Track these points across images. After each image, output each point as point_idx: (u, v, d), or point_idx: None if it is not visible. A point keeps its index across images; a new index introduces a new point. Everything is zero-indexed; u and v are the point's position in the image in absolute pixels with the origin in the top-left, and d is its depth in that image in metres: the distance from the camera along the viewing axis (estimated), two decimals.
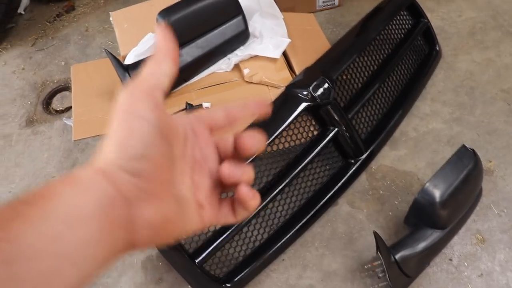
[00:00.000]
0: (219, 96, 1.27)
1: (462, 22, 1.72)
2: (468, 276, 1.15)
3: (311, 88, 1.20)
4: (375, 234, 1.08)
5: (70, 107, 1.63)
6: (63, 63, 1.87)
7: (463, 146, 1.14)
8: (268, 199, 1.16)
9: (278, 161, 1.22)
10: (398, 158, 1.39)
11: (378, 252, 1.10)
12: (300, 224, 1.22)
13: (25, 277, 0.25)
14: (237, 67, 1.33)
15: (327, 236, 1.26)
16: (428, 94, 1.53)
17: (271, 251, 1.19)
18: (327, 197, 1.26)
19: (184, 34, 1.31)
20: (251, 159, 1.12)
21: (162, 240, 0.33)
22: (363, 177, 1.35)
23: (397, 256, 1.08)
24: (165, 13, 1.31)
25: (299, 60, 1.35)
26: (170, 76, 0.33)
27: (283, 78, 1.29)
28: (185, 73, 1.34)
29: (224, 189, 0.38)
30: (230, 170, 0.36)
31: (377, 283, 1.15)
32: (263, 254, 1.18)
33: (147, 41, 1.43)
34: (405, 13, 1.51)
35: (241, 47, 1.36)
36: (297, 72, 1.32)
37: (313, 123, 1.24)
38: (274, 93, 1.25)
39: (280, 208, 1.23)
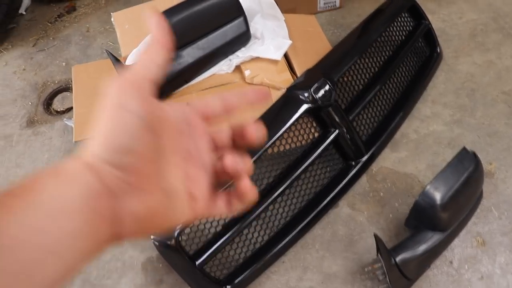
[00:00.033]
0: None
1: (463, 24, 1.72)
2: (469, 279, 1.14)
3: (312, 90, 1.20)
4: (376, 236, 1.08)
5: (71, 108, 1.63)
6: (64, 63, 1.87)
7: (464, 149, 1.14)
8: (269, 201, 1.16)
9: (278, 163, 1.22)
10: (398, 160, 1.39)
11: (379, 255, 1.10)
12: (300, 226, 1.22)
13: (8, 269, 0.25)
14: (238, 68, 1.33)
15: (327, 238, 1.26)
16: (429, 96, 1.53)
17: (271, 253, 1.19)
18: (328, 199, 1.26)
19: (185, 35, 1.31)
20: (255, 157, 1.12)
21: (149, 231, 0.33)
22: (363, 179, 1.35)
23: (398, 259, 1.08)
24: (167, 14, 1.31)
25: (300, 62, 1.35)
26: (163, 66, 0.33)
27: (284, 80, 1.29)
28: (186, 74, 1.34)
29: (219, 180, 0.37)
30: (233, 162, 0.36)
31: (377, 286, 1.14)
32: (263, 256, 1.18)
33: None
34: (406, 15, 1.51)
35: (242, 49, 1.36)
36: (298, 74, 1.32)
37: (314, 125, 1.24)
38: (275, 95, 1.25)
39: (280, 210, 1.23)
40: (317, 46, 1.45)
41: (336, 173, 1.30)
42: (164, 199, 0.32)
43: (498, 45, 1.64)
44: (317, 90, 1.20)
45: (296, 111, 1.18)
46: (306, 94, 1.19)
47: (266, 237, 1.21)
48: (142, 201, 0.31)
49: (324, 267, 1.22)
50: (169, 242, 1.09)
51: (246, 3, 1.38)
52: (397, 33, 1.47)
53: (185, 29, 1.30)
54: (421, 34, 1.51)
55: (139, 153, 0.30)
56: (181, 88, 1.33)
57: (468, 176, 1.11)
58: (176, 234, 1.08)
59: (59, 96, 1.76)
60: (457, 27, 1.71)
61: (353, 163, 1.30)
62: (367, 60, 1.37)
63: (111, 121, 0.30)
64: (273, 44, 1.34)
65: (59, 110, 1.71)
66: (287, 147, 1.21)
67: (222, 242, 1.13)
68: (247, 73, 1.30)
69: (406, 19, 1.51)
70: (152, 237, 1.12)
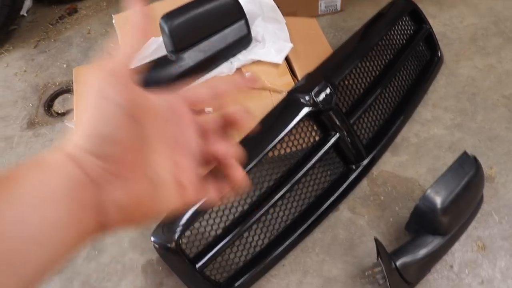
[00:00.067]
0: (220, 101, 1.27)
1: (463, 28, 1.72)
2: (469, 283, 1.14)
3: (313, 93, 1.20)
4: (376, 240, 1.08)
5: (72, 110, 1.63)
6: (65, 65, 1.87)
7: (465, 153, 1.14)
8: (269, 204, 1.16)
9: (279, 166, 1.22)
10: (399, 164, 1.39)
11: (379, 258, 1.10)
12: (301, 230, 1.22)
13: None
14: (239, 71, 1.33)
15: (327, 242, 1.26)
16: (429, 100, 1.53)
17: (271, 257, 1.19)
18: (328, 202, 1.26)
19: (186, 38, 1.31)
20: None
21: (135, 220, 0.33)
22: (364, 182, 1.35)
23: (398, 263, 1.08)
24: (168, 16, 1.31)
25: (301, 65, 1.35)
26: (137, 52, 0.33)
27: (285, 83, 1.29)
28: (187, 77, 1.34)
29: (207, 167, 0.38)
30: (223, 148, 0.36)
31: None
32: (263, 260, 1.18)
33: (150, 44, 1.43)
34: (407, 18, 1.51)
35: (243, 52, 1.36)
36: (299, 77, 1.32)
37: (315, 128, 1.25)
38: (276, 98, 1.25)
39: (281, 214, 1.23)
40: (318, 50, 1.45)
41: (337, 177, 1.30)
42: (150, 188, 0.32)
43: (499, 49, 1.64)
44: (318, 94, 1.20)
45: (296, 115, 1.18)
46: (307, 98, 1.19)
47: (266, 241, 1.21)
48: (126, 190, 0.31)
49: (324, 270, 1.22)
50: (169, 245, 1.09)
51: (247, 6, 1.38)
52: (398, 37, 1.47)
53: (186, 31, 1.30)
54: (422, 38, 1.51)
55: (121, 142, 0.30)
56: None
57: (468, 180, 1.11)
58: (176, 237, 1.08)
59: (60, 98, 1.76)
60: (458, 31, 1.72)
61: (354, 166, 1.30)
62: (368, 63, 1.37)
63: (92, 111, 0.30)
64: (274, 47, 1.34)
65: (59, 112, 1.71)
66: (288, 150, 1.21)
67: (223, 245, 1.13)
68: (248, 76, 1.30)
69: (407, 23, 1.51)
70: (152, 239, 1.12)
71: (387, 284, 1.07)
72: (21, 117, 1.71)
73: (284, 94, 1.25)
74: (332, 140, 1.23)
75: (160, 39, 1.39)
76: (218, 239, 1.14)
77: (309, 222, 1.23)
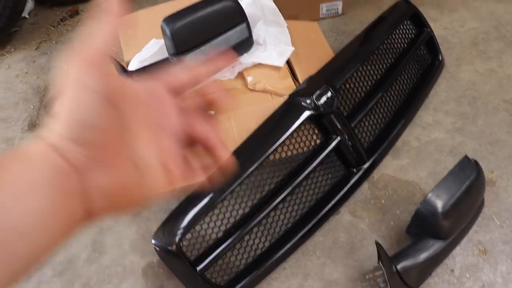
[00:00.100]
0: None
1: (464, 32, 1.73)
2: (470, 287, 1.14)
3: (314, 96, 1.20)
4: (377, 243, 1.08)
5: None
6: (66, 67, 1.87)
7: (466, 157, 1.14)
8: (270, 207, 1.16)
9: (280, 170, 1.23)
10: (400, 167, 1.39)
11: (380, 262, 1.10)
12: (301, 233, 1.22)
13: None
14: (240, 74, 1.33)
15: (328, 245, 1.26)
16: (430, 104, 1.53)
17: (272, 260, 1.19)
18: (329, 206, 1.26)
19: (188, 41, 1.31)
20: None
21: (123, 206, 0.33)
22: (365, 186, 1.35)
23: (399, 266, 1.08)
24: (170, 19, 1.31)
25: (302, 69, 1.36)
26: (113, 37, 0.33)
27: (287, 87, 1.29)
28: None
29: (192, 149, 0.38)
30: (206, 129, 0.36)
31: None
32: (264, 263, 1.18)
33: (151, 47, 1.43)
34: (409, 22, 1.52)
35: (245, 55, 1.36)
36: (301, 81, 1.32)
37: (316, 131, 1.25)
38: (278, 101, 1.25)
39: (282, 217, 1.23)
40: (319, 53, 1.45)
41: (338, 180, 1.30)
42: (135, 173, 0.33)
43: (500, 53, 1.64)
44: (319, 97, 1.20)
45: (298, 118, 1.19)
46: (308, 101, 1.19)
47: (267, 244, 1.21)
48: (110, 176, 0.31)
49: (325, 274, 1.22)
50: (170, 248, 1.09)
51: (249, 9, 1.39)
52: (399, 40, 1.47)
53: (188, 34, 1.30)
54: (423, 41, 1.52)
55: (101, 128, 0.30)
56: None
57: (469, 184, 1.11)
58: (177, 239, 1.08)
59: None
60: (459, 35, 1.72)
61: (355, 170, 1.30)
62: (369, 67, 1.37)
63: (70, 99, 0.30)
64: (275, 50, 1.35)
65: None
66: (289, 153, 1.21)
67: (223, 248, 1.13)
68: (249, 79, 1.30)
69: (408, 27, 1.51)
70: (153, 242, 1.12)
71: None
72: (22, 118, 1.71)
73: (285, 98, 1.25)
74: (333, 144, 1.23)
75: (162, 41, 1.39)
76: (219, 242, 1.14)
77: (310, 225, 1.23)
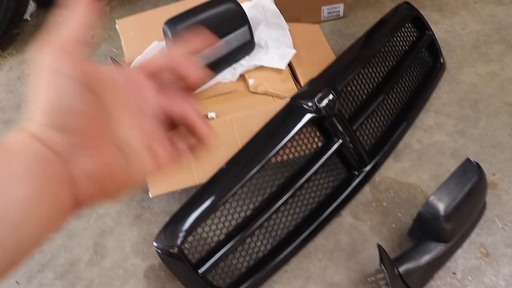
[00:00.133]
0: (224, 106, 1.28)
1: (466, 35, 1.73)
2: None
3: (316, 99, 1.20)
4: (379, 246, 1.08)
5: None
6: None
7: (468, 160, 1.15)
8: (272, 210, 1.16)
9: (282, 172, 1.23)
10: (402, 170, 1.39)
11: (382, 265, 1.10)
12: (303, 236, 1.22)
13: None
14: (242, 77, 1.34)
15: (330, 248, 1.26)
16: (432, 107, 1.53)
17: (274, 262, 1.19)
18: (331, 208, 1.25)
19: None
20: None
21: (111, 192, 0.33)
22: (366, 189, 1.35)
23: (401, 269, 1.08)
24: (172, 22, 1.31)
25: (304, 71, 1.36)
26: (89, 25, 0.33)
27: (288, 89, 1.29)
28: None
29: (175, 130, 0.38)
30: (184, 107, 0.37)
31: None
32: (266, 265, 1.18)
33: (153, 49, 1.43)
34: (410, 25, 1.52)
35: (247, 57, 1.36)
36: (302, 83, 1.32)
37: (318, 134, 1.25)
38: (279, 104, 1.25)
39: (283, 219, 1.23)
40: (321, 56, 1.45)
41: (339, 183, 1.30)
42: (120, 157, 0.33)
43: (501, 56, 1.64)
44: (321, 100, 1.20)
45: (299, 121, 1.19)
46: (310, 104, 1.19)
47: (269, 246, 1.21)
48: (94, 160, 0.31)
49: (326, 276, 1.22)
50: (172, 250, 1.09)
51: (250, 12, 1.39)
52: (401, 43, 1.47)
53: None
54: (424, 44, 1.52)
55: (80, 113, 0.30)
56: None
57: (471, 187, 1.11)
58: (179, 242, 1.08)
59: None
60: (460, 37, 1.72)
61: (356, 172, 1.30)
62: (370, 70, 1.37)
63: (47, 87, 0.30)
64: (277, 53, 1.35)
65: None
66: (291, 156, 1.21)
67: (225, 251, 1.13)
68: (251, 82, 1.31)
69: (409, 30, 1.51)
70: (155, 244, 1.12)
71: None
72: (24, 121, 1.71)
73: (287, 100, 1.25)
74: (335, 146, 1.23)
75: (163, 44, 1.39)
76: (220, 244, 1.14)
77: (311, 228, 1.23)
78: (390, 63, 1.43)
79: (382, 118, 1.39)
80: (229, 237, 1.15)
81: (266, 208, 1.17)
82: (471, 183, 1.12)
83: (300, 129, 1.18)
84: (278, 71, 1.33)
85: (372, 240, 1.26)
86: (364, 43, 1.39)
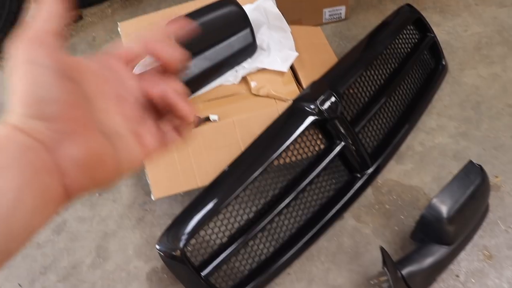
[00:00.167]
0: (226, 109, 1.28)
1: (468, 36, 1.73)
2: None
3: (318, 102, 1.20)
4: (382, 249, 1.08)
5: None
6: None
7: (470, 162, 1.14)
8: (274, 212, 1.16)
9: (284, 175, 1.22)
10: (404, 172, 1.39)
11: (384, 267, 1.09)
12: (306, 238, 1.22)
13: None
14: (244, 79, 1.34)
15: (333, 250, 1.26)
16: (434, 109, 1.53)
17: (276, 265, 1.19)
18: (333, 211, 1.25)
19: (192, 46, 1.31)
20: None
21: (101, 179, 0.33)
22: (369, 191, 1.35)
23: (404, 272, 1.08)
24: None
25: (306, 74, 1.36)
26: (61, 16, 0.32)
27: (290, 92, 1.30)
28: (193, 85, 1.34)
29: (161, 112, 0.38)
30: (157, 87, 0.36)
31: None
32: (268, 268, 1.18)
33: None
34: (412, 27, 1.52)
35: (249, 60, 1.36)
36: (304, 86, 1.32)
37: (320, 137, 1.25)
38: (281, 107, 1.26)
39: (286, 222, 1.23)
40: (323, 58, 1.46)
41: (342, 185, 1.30)
42: (106, 143, 0.33)
43: (503, 58, 1.64)
44: (323, 102, 1.20)
45: (302, 123, 1.19)
46: (312, 106, 1.19)
47: (271, 249, 1.21)
48: (80, 146, 0.31)
49: (329, 279, 1.21)
50: (174, 253, 1.09)
51: (252, 15, 1.39)
52: (403, 45, 1.47)
53: (191, 40, 1.30)
54: (426, 46, 1.52)
55: (60, 101, 0.30)
56: (188, 99, 1.34)
57: (474, 189, 1.11)
58: (182, 245, 1.08)
59: None
60: (462, 39, 1.72)
61: (359, 175, 1.30)
62: (373, 72, 1.37)
63: (24, 79, 0.30)
64: (279, 55, 1.35)
65: None
66: (293, 159, 1.21)
67: (228, 254, 1.13)
68: (253, 84, 1.31)
69: (411, 32, 1.51)
70: (157, 247, 1.12)
71: None
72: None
73: (289, 103, 1.25)
74: (337, 149, 1.23)
75: None
76: (223, 247, 1.14)
77: (314, 230, 1.23)
78: (392, 65, 1.43)
79: (384, 120, 1.39)
80: (231, 239, 1.15)
81: (269, 211, 1.17)
82: (474, 186, 1.11)
83: (303, 131, 1.18)
84: (280, 73, 1.33)
85: (374, 243, 1.26)
86: (366, 45, 1.39)
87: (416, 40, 1.52)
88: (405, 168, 1.40)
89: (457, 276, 1.17)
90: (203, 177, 1.21)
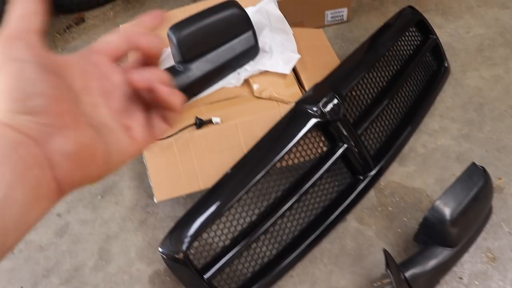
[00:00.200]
0: (228, 111, 1.28)
1: (470, 38, 1.73)
2: None
3: (320, 104, 1.20)
4: (385, 251, 1.08)
5: None
6: None
7: (473, 164, 1.14)
8: (277, 215, 1.16)
9: (287, 177, 1.22)
10: (407, 174, 1.39)
11: (388, 270, 1.09)
12: (309, 241, 1.21)
13: None
14: (246, 82, 1.34)
15: (335, 253, 1.26)
16: (436, 111, 1.53)
17: (279, 268, 1.19)
18: (336, 213, 1.25)
19: (194, 49, 1.31)
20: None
21: (93, 172, 0.33)
22: (371, 193, 1.35)
23: (407, 274, 1.08)
24: (176, 27, 1.32)
25: (308, 76, 1.36)
26: (38, 14, 0.32)
27: (293, 94, 1.29)
28: (195, 87, 1.34)
29: (149, 104, 0.38)
30: (139, 74, 0.36)
31: None
32: (271, 271, 1.18)
33: None
34: (414, 29, 1.52)
35: (251, 62, 1.36)
36: (307, 88, 1.32)
37: (322, 139, 1.25)
38: (284, 109, 1.25)
39: (289, 224, 1.23)
40: (325, 60, 1.45)
41: (344, 187, 1.30)
42: (96, 135, 0.32)
43: (506, 59, 1.64)
44: (325, 105, 1.20)
45: (304, 125, 1.19)
46: (314, 109, 1.19)
47: (274, 251, 1.21)
48: (69, 139, 0.30)
49: (332, 281, 1.21)
50: (177, 256, 1.09)
51: (254, 17, 1.39)
52: (405, 47, 1.47)
53: (194, 42, 1.30)
54: (428, 48, 1.52)
55: (46, 94, 0.30)
56: (190, 101, 1.34)
57: (477, 191, 1.11)
58: (185, 247, 1.08)
59: None
60: (464, 41, 1.72)
61: (361, 177, 1.30)
62: (375, 74, 1.37)
63: (8, 75, 0.30)
64: (281, 58, 1.35)
65: None
66: (296, 161, 1.21)
67: (231, 256, 1.13)
68: (255, 87, 1.31)
69: (413, 34, 1.51)
70: (160, 250, 1.11)
71: None
72: None
73: (291, 105, 1.25)
74: (340, 151, 1.23)
75: (168, 49, 1.39)
76: (226, 250, 1.14)
77: (317, 232, 1.23)
78: (395, 67, 1.43)
79: (386, 122, 1.38)
80: (234, 242, 1.15)
81: (271, 213, 1.17)
82: (477, 188, 1.11)
83: (305, 134, 1.18)
84: (283, 76, 1.33)
85: (377, 245, 1.25)
86: (368, 47, 1.39)
87: (418, 42, 1.52)
88: (408, 170, 1.40)
89: (461, 278, 1.17)
90: (206, 179, 1.21)
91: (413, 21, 1.51)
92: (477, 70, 1.62)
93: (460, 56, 1.67)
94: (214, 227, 1.13)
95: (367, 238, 1.27)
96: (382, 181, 1.37)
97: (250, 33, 1.35)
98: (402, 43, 1.46)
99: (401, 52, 1.46)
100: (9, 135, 0.29)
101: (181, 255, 1.08)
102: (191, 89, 1.34)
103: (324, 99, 1.21)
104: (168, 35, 1.32)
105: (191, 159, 1.23)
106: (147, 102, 0.38)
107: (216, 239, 1.14)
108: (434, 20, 1.76)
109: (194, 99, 1.35)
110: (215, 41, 1.33)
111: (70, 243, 1.39)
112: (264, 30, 1.41)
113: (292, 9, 1.66)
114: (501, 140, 1.43)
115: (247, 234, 1.15)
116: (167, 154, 1.23)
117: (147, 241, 1.36)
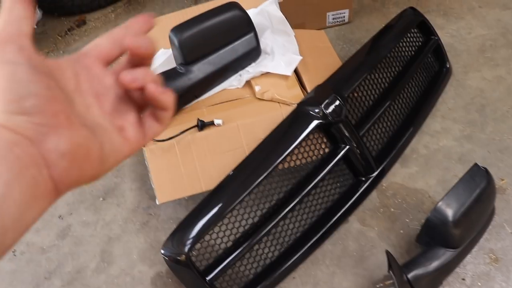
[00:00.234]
0: (230, 113, 1.28)
1: (472, 39, 1.72)
2: None
3: (322, 105, 1.20)
4: (387, 252, 1.07)
5: None
6: None
7: (476, 165, 1.14)
8: (279, 216, 1.16)
9: (289, 179, 1.22)
10: (409, 175, 1.39)
11: (390, 271, 1.09)
12: (311, 242, 1.21)
13: None
14: (248, 84, 1.34)
15: (338, 254, 1.26)
16: (438, 112, 1.52)
17: (282, 269, 1.18)
18: (338, 214, 1.25)
19: (196, 51, 1.31)
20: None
21: (89, 172, 0.33)
22: (374, 194, 1.34)
23: (410, 276, 1.08)
24: (178, 29, 1.32)
25: (310, 77, 1.36)
26: (28, 18, 0.32)
27: (295, 95, 1.29)
28: (197, 89, 1.34)
29: (141, 104, 0.38)
30: (129, 74, 0.36)
31: None
32: (273, 272, 1.18)
33: (159, 57, 1.44)
34: (416, 30, 1.52)
35: (253, 64, 1.36)
36: (309, 89, 1.32)
37: (324, 140, 1.25)
38: (286, 110, 1.25)
39: (291, 226, 1.23)
40: (327, 62, 1.45)
41: (347, 189, 1.30)
42: (90, 135, 0.33)
43: (508, 60, 1.64)
44: (327, 106, 1.20)
45: (306, 127, 1.19)
46: (316, 110, 1.19)
47: (276, 253, 1.21)
48: (65, 138, 0.31)
49: (334, 283, 1.21)
50: (179, 258, 1.09)
51: (256, 19, 1.39)
52: (407, 48, 1.47)
53: (195, 44, 1.30)
54: (430, 49, 1.52)
55: (40, 95, 0.30)
56: (192, 103, 1.34)
57: (480, 192, 1.11)
58: (187, 249, 1.08)
59: None
60: (466, 42, 1.72)
61: (364, 178, 1.30)
62: (377, 75, 1.37)
63: (1, 78, 0.30)
64: (283, 59, 1.35)
65: None
66: (298, 162, 1.21)
67: (233, 258, 1.13)
68: (257, 88, 1.31)
69: (415, 35, 1.51)
70: (162, 251, 1.11)
71: None
72: None
73: (293, 107, 1.25)
74: (342, 152, 1.23)
75: (170, 51, 1.39)
76: (228, 251, 1.14)
77: (319, 234, 1.23)
78: (396, 68, 1.43)
79: (388, 123, 1.38)
80: (236, 244, 1.15)
81: (274, 215, 1.17)
82: (479, 189, 1.11)
83: (307, 135, 1.18)
84: (285, 77, 1.33)
85: (380, 246, 1.25)
86: (370, 48, 1.39)
87: (420, 43, 1.52)
88: (410, 171, 1.40)
89: (463, 279, 1.17)
90: (208, 181, 1.21)
91: (414, 22, 1.51)
92: (479, 71, 1.62)
93: (462, 57, 1.67)
94: (216, 229, 1.13)
95: (369, 240, 1.27)
96: (384, 182, 1.36)
97: (251, 35, 1.35)
98: (404, 44, 1.46)
99: (402, 53, 1.46)
100: (5, 135, 0.29)
101: (183, 257, 1.08)
102: (193, 91, 1.34)
103: (326, 101, 1.21)
104: (169, 37, 1.32)
105: (193, 161, 1.23)
106: (139, 103, 0.38)
107: (218, 241, 1.14)
108: (436, 21, 1.76)
109: (196, 101, 1.35)
110: (217, 43, 1.33)
111: (72, 245, 1.39)
112: (265, 32, 1.41)
113: (293, 11, 1.66)
114: (503, 141, 1.43)
115: (249, 236, 1.15)
116: (169, 156, 1.23)
117: (149, 243, 1.36)
